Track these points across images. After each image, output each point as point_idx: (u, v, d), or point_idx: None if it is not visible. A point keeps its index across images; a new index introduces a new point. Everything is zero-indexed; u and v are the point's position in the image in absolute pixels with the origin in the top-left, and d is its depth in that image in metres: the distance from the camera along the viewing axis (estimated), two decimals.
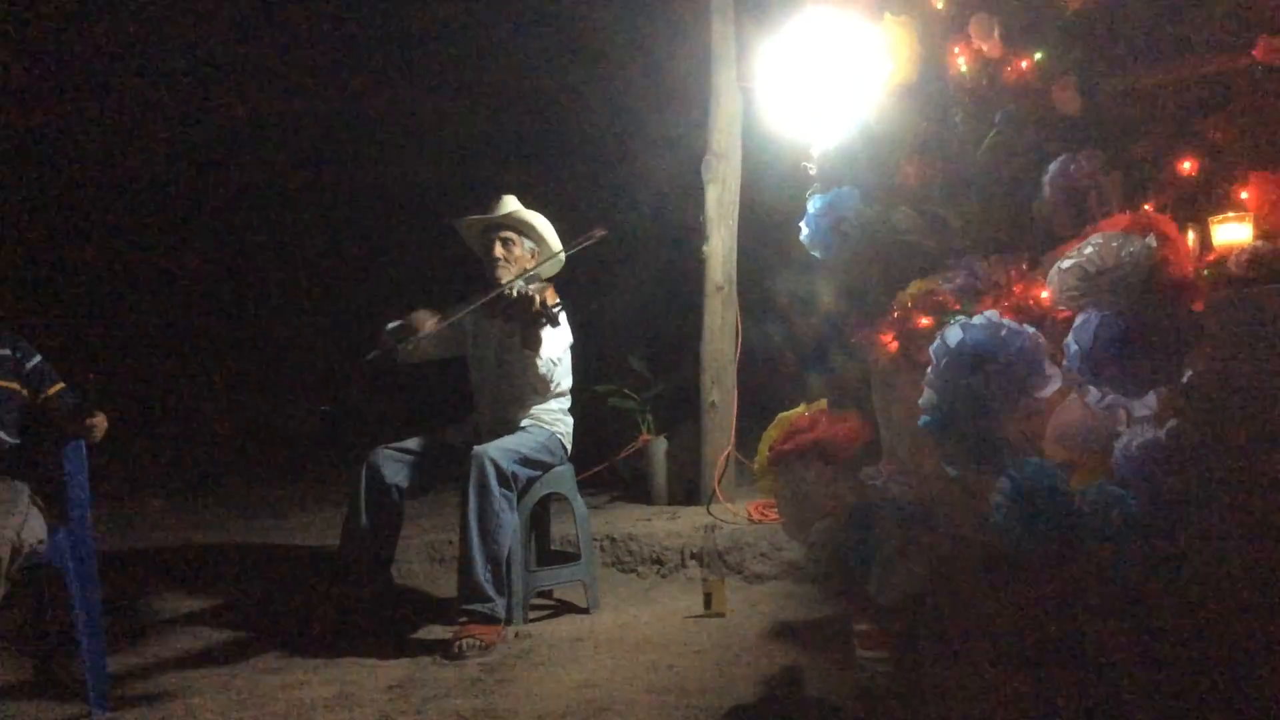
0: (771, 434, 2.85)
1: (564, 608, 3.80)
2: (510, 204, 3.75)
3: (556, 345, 3.58)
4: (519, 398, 3.71)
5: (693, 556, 4.08)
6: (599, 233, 3.55)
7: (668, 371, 5.33)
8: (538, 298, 3.36)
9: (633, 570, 4.18)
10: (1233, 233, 2.08)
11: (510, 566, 3.47)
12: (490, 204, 3.76)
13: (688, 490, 4.89)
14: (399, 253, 7.76)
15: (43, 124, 7.68)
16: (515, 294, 3.46)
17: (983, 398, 2.04)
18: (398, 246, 7.83)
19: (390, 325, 3.70)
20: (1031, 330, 2.06)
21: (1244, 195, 2.13)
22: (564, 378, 3.74)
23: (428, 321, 3.63)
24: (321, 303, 8.07)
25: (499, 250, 3.68)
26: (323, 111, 8.04)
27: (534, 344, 3.44)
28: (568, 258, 3.78)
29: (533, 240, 3.78)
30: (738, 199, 4.87)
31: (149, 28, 7.41)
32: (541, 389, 3.65)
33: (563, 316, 3.51)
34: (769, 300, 5.02)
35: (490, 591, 3.31)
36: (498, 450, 3.42)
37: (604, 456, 5.22)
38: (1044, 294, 2.17)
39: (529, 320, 3.38)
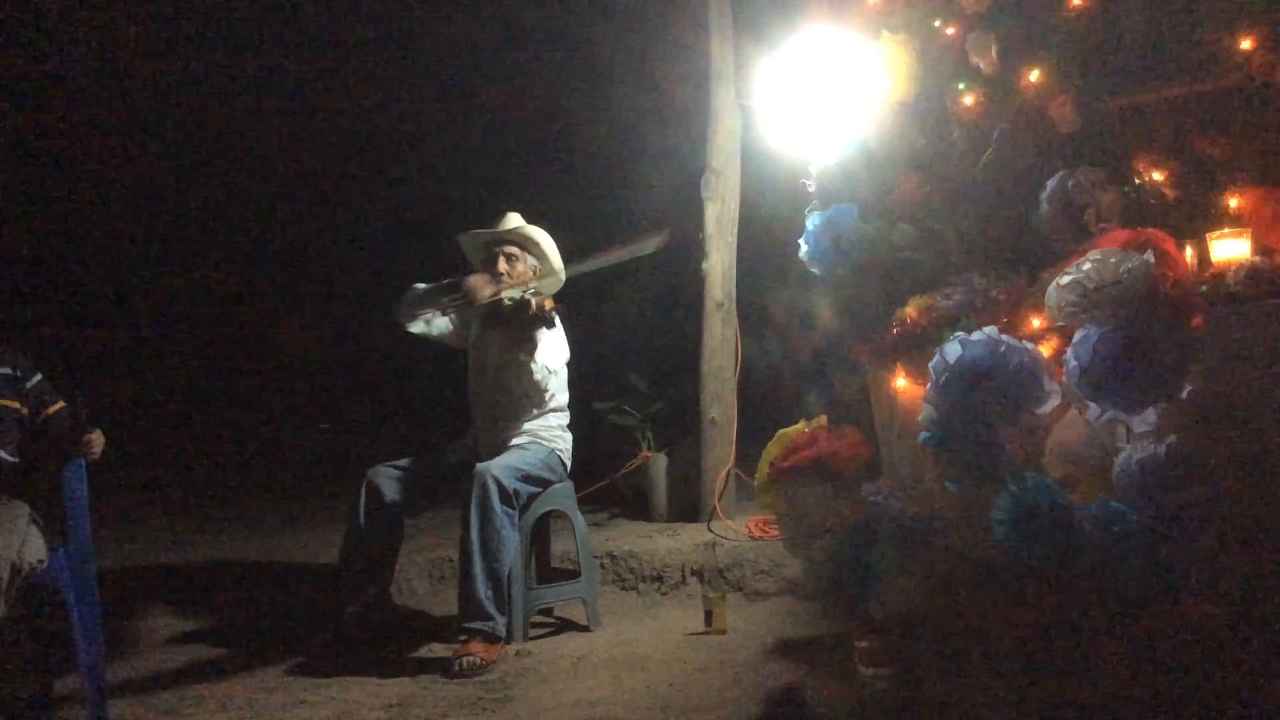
0: (772, 450, 2.85)
1: (564, 625, 3.79)
2: (515, 220, 3.77)
3: (554, 356, 3.60)
4: (515, 413, 3.70)
5: (693, 573, 4.07)
6: (656, 239, 3.58)
7: (668, 388, 5.32)
8: (534, 301, 3.39)
9: (633, 587, 4.16)
10: (1231, 248, 2.09)
11: (511, 584, 3.47)
12: (495, 219, 3.79)
13: (688, 507, 4.87)
14: (401, 269, 7.77)
15: (46, 135, 7.71)
16: (511, 299, 3.49)
17: (982, 414, 2.05)
18: (400, 263, 7.84)
19: (445, 281, 3.63)
20: (1031, 346, 2.06)
21: (1241, 211, 2.14)
22: (560, 390, 3.75)
23: (485, 289, 3.56)
24: (323, 319, 8.08)
25: (502, 265, 3.69)
26: (327, 129, 8.08)
27: (529, 348, 3.45)
28: (614, 265, 3.75)
29: (535, 257, 3.79)
30: (737, 216, 4.88)
31: (153, 37, 7.44)
32: (536, 398, 3.65)
33: (560, 327, 3.52)
34: (768, 317, 5.02)
35: (491, 609, 3.31)
36: (500, 468, 3.42)
37: (604, 473, 5.20)
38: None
39: (526, 322, 3.40)
